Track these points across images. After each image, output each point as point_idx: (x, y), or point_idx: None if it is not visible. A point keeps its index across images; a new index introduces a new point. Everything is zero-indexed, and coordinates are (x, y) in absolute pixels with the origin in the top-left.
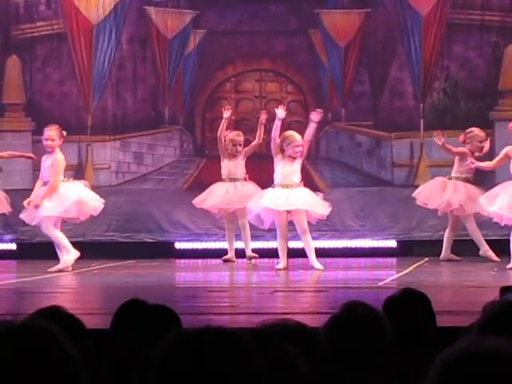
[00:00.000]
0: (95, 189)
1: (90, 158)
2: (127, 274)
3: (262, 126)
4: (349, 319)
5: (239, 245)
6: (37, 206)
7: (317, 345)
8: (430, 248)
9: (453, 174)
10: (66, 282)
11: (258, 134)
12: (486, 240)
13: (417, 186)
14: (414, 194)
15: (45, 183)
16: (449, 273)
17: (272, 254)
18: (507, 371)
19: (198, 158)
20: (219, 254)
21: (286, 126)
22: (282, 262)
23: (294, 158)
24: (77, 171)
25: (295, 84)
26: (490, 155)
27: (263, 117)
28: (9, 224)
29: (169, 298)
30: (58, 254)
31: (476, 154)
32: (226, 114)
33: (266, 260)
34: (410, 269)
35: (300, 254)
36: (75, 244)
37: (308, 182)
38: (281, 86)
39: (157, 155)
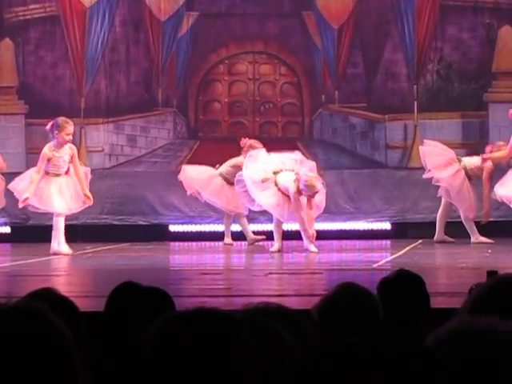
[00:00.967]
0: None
1: (83, 140)
2: (121, 257)
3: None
4: (342, 300)
5: (236, 228)
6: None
7: (300, 327)
8: (424, 230)
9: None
10: (60, 265)
11: None
12: (478, 222)
13: (410, 168)
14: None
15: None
16: (443, 254)
17: (266, 236)
18: (498, 349)
19: (191, 140)
20: (214, 236)
21: (279, 108)
22: (276, 244)
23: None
24: None
25: (288, 66)
26: (486, 141)
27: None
28: (2, 207)
29: (163, 280)
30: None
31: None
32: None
33: (260, 243)
34: (404, 251)
35: (295, 236)
36: (68, 227)
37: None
38: (274, 68)
39: (150, 138)
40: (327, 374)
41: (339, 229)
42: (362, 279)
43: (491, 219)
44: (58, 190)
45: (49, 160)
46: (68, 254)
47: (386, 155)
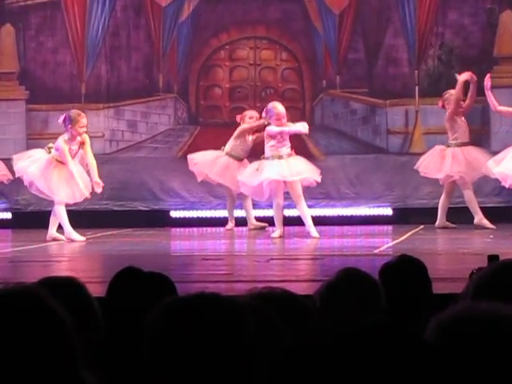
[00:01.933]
0: None
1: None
2: (122, 243)
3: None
4: (344, 286)
5: (239, 213)
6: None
7: (303, 312)
8: (426, 215)
9: (450, 141)
10: (62, 251)
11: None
12: (482, 208)
13: (412, 154)
14: (415, 167)
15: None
16: (444, 240)
17: (267, 221)
18: (502, 333)
19: (192, 126)
20: (215, 222)
21: (280, 93)
22: (277, 230)
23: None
24: None
25: (290, 51)
26: (488, 127)
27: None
28: (3, 193)
29: (165, 266)
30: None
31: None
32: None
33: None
34: (406, 236)
35: (296, 222)
36: (69, 213)
37: (303, 149)
38: (275, 53)
39: (151, 123)
40: (323, 357)
41: (340, 214)
42: (364, 265)
43: (493, 205)
44: (66, 179)
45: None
46: (81, 241)
47: (387, 140)
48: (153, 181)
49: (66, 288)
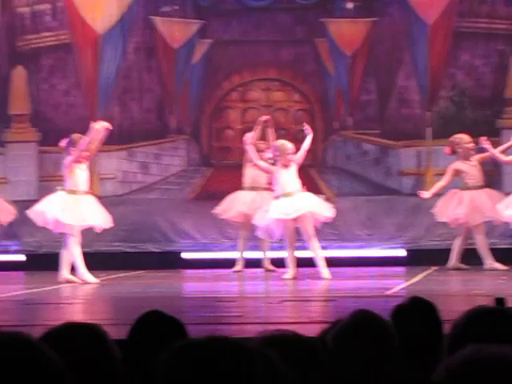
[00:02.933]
0: (102, 199)
1: (96, 168)
2: (136, 285)
3: (268, 130)
4: (356, 328)
5: (247, 255)
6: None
7: (315, 355)
8: (439, 257)
9: (462, 184)
10: (75, 293)
11: (269, 138)
12: (494, 249)
13: None
14: (433, 211)
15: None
16: (457, 281)
17: (279, 263)
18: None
19: (204, 167)
20: (226, 264)
21: (293, 134)
22: (290, 271)
23: (288, 166)
24: None
25: (302, 93)
26: (499, 168)
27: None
28: (15, 235)
29: (177, 308)
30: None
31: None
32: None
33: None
34: (419, 277)
35: (308, 263)
36: (82, 254)
37: (315, 190)
38: (287, 94)
39: (163, 165)
40: None
41: (353, 256)
42: (376, 306)
43: (504, 246)
44: (84, 208)
45: (69, 174)
46: (94, 284)
47: (399, 182)
48: (165, 222)
49: (88, 335)
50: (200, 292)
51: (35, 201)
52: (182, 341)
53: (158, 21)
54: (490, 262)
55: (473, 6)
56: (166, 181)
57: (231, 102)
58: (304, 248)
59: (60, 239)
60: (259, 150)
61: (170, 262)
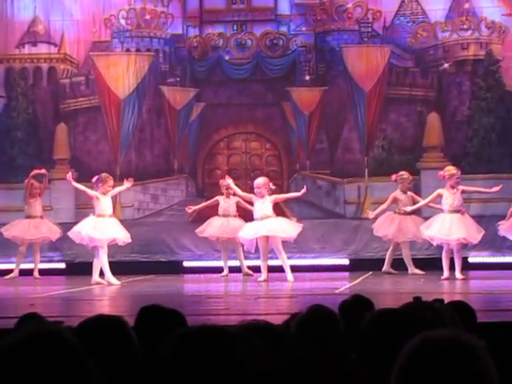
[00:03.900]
0: (122, 222)
1: (118, 198)
2: (148, 286)
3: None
4: (312, 318)
5: (232, 263)
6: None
7: (279, 338)
8: (374, 264)
9: (396, 210)
10: (103, 292)
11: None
12: (415, 258)
13: (362, 219)
14: (373, 226)
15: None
16: (388, 283)
17: (255, 269)
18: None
19: (199, 198)
20: (216, 270)
21: (265, 174)
22: (263, 275)
23: (263, 196)
24: None
25: (272, 143)
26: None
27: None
28: (57, 248)
29: (179, 303)
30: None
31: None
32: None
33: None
34: (359, 280)
35: (277, 269)
36: (108, 263)
37: (282, 215)
38: (261, 144)
39: (168, 196)
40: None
41: (310, 264)
42: (328, 302)
43: (423, 256)
44: (110, 226)
45: (97, 203)
46: (117, 285)
47: (344, 209)
48: (170, 239)
49: (114, 326)
50: (196, 291)
51: (73, 223)
52: (183, 329)
53: (165, 89)
54: (411, 269)
55: (399, 77)
56: (170, 208)
57: (219, 149)
58: (274, 258)
59: (91, 252)
60: (228, 187)
61: (174, 268)
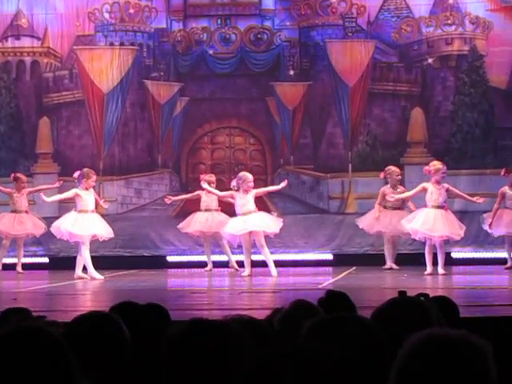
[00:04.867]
0: (105, 216)
1: (101, 193)
2: (131, 281)
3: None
4: (295, 313)
5: (216, 258)
6: None
7: (263, 333)
8: (357, 260)
9: (385, 204)
10: (86, 287)
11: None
12: (400, 254)
13: (346, 214)
14: (358, 219)
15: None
16: (371, 278)
17: (239, 264)
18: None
19: (183, 192)
20: (200, 265)
21: (249, 168)
22: (246, 270)
23: (247, 192)
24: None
25: (256, 138)
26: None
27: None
28: (40, 242)
29: (163, 298)
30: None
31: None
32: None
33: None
34: (343, 275)
35: (260, 264)
36: (91, 257)
37: (266, 210)
38: (245, 139)
39: (152, 191)
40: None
41: (294, 259)
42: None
43: (407, 251)
44: (91, 222)
45: (78, 199)
46: (100, 279)
47: (328, 204)
48: (154, 233)
49: (107, 323)
50: (179, 286)
51: (56, 217)
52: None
53: (149, 83)
54: (389, 263)
55: (383, 72)
56: (154, 203)
57: (203, 144)
58: (257, 253)
59: (74, 246)
60: (210, 182)
61: (158, 263)
